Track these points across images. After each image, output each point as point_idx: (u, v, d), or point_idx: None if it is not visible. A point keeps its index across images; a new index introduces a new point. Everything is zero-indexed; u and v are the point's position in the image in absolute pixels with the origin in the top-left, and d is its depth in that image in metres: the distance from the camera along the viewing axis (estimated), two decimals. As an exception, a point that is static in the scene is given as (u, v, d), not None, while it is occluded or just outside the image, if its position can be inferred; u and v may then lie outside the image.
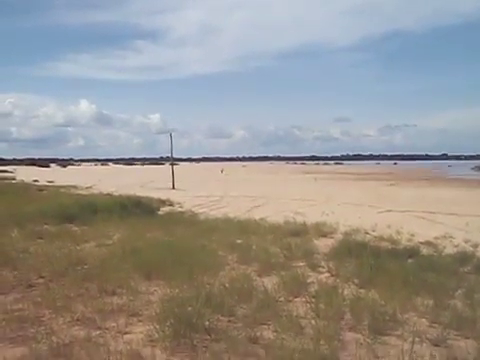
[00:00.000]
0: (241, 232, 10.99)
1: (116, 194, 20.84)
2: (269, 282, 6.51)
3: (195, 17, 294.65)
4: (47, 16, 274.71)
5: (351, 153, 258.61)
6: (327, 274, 7.27)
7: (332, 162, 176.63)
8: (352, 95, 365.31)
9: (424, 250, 9.29)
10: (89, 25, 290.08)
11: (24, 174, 48.17)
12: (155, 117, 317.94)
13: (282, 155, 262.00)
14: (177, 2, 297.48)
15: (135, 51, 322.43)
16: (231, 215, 14.97)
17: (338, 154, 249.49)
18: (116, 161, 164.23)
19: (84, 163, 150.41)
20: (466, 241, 10.68)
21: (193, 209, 17.43)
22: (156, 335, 4.47)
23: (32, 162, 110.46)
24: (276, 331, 4.69)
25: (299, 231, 11.45)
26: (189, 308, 4.84)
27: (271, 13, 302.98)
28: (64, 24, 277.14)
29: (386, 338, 4.64)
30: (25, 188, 26.77)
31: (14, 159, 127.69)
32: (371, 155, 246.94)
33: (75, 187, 29.42)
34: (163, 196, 21.61)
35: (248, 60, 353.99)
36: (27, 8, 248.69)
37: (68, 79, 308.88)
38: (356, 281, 6.62)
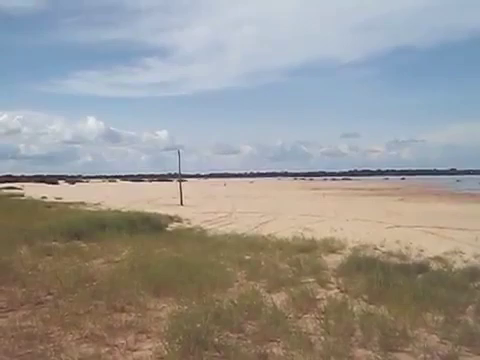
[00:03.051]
0: (249, 248, 10.97)
1: (124, 210, 20.88)
2: (278, 298, 6.48)
3: (202, 34, 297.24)
4: (56, 33, 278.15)
5: (359, 168, 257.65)
6: (336, 290, 7.23)
7: (340, 178, 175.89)
8: (360, 111, 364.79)
9: (434, 265, 9.20)
10: (97, 43, 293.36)
11: (33, 191, 48.45)
12: (163, 134, 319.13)
13: (290, 171, 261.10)
14: (185, 19, 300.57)
15: (143, 68, 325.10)
16: (239, 231, 14.95)
17: (346, 170, 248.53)
18: (124, 178, 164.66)
19: (92, 180, 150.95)
20: (476, 256, 10.58)
21: (201, 225, 17.42)
22: (165, 352, 4.46)
23: (41, 179, 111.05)
24: (285, 348, 4.66)
25: (308, 247, 11.41)
26: (198, 325, 4.83)
27: (278, 29, 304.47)
28: (73, 41, 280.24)
29: (397, 355, 4.60)
30: (34, 205, 26.91)
31: (23, 176, 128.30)
32: (379, 170, 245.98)
33: (83, 204, 29.52)
34: (171, 212, 21.62)
35: (255, 76, 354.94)
36: (35, 25, 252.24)
37: (76, 96, 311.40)
38: (366, 297, 6.58)
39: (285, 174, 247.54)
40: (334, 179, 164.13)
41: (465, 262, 9.88)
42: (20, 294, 6.59)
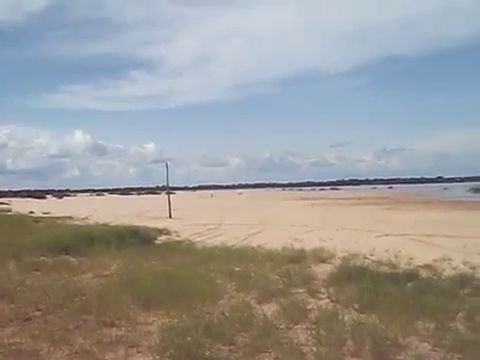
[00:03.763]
0: (239, 260, 10.95)
1: (113, 224, 20.74)
2: (269, 309, 6.47)
3: (189, 47, 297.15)
4: (42, 47, 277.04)
5: (347, 178, 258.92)
6: (327, 300, 7.24)
7: (328, 187, 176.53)
8: (348, 120, 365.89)
9: (423, 273, 9.26)
10: (84, 56, 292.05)
11: (20, 206, 47.98)
12: (150, 146, 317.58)
13: (278, 182, 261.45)
14: (171, 32, 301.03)
15: (130, 81, 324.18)
16: (229, 243, 14.91)
17: (334, 179, 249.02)
18: (112, 191, 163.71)
19: (80, 194, 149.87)
20: (465, 263, 10.66)
21: (190, 238, 17.37)
22: (156, 366, 4.42)
23: (28, 194, 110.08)
24: (277, 359, 4.64)
25: (297, 257, 11.42)
26: (189, 338, 4.81)
27: (266, 41, 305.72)
28: (59, 55, 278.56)
29: (389, 363, 4.60)
30: (21, 220, 26.64)
31: (10, 191, 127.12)
32: (367, 180, 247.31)
33: (71, 218, 29.28)
34: (160, 225, 21.53)
35: (243, 88, 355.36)
36: (21, 39, 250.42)
37: (63, 110, 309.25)
38: (356, 306, 6.59)
39: (273, 185, 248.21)
40: (322, 189, 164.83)
41: (454, 269, 9.94)
42: (8, 310, 6.50)
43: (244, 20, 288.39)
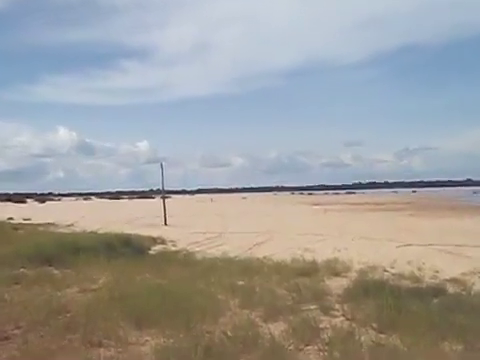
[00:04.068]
0: (243, 273, 10.95)
1: (101, 232, 20.77)
2: (276, 328, 6.47)
3: (186, 33, 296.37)
4: (22, 35, 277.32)
5: (364, 181, 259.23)
6: (342, 318, 7.23)
7: (343, 191, 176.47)
8: (364, 116, 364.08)
9: (450, 288, 9.24)
10: (69, 44, 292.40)
11: (-3, 212, 48.11)
12: (143, 145, 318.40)
13: (286, 185, 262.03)
14: (166, 17, 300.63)
15: (120, 72, 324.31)
16: (231, 254, 14.93)
17: (350, 182, 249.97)
18: (100, 195, 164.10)
19: (64, 198, 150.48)
20: (497, 277, 10.64)
21: (188, 248, 17.37)
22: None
23: (7, 197, 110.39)
24: (286, 384, 4.64)
25: (308, 270, 11.41)
26: (186, 360, 4.81)
27: (271, 27, 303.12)
28: (40, 43, 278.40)
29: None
30: (-1, 227, 26.72)
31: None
32: (387, 182, 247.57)
33: (55, 225, 29.33)
34: (154, 233, 21.57)
35: (246, 80, 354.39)
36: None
37: (45, 104, 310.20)
38: (375, 325, 6.58)
39: (281, 188, 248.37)
40: (336, 193, 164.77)
41: (485, 284, 9.91)
42: (-17, 329, 6.51)
43: (246, 4, 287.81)
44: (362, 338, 5.84)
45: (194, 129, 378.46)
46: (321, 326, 6.58)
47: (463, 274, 11.10)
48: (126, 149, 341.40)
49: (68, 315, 7.12)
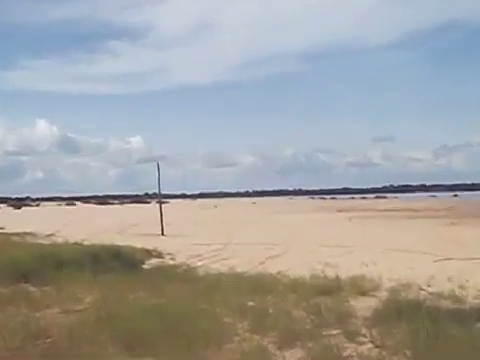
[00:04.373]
0: (253, 291, 10.96)
1: (87, 243, 20.86)
2: (292, 356, 6.48)
3: (186, 10, 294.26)
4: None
5: (397, 183, 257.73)
6: (370, 345, 7.21)
7: (372, 195, 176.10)
8: (397, 107, 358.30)
9: (498, 310, 9.19)
10: (49, 23, 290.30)
11: (-34, 219, 48.37)
12: (136, 141, 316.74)
13: (305, 188, 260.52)
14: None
15: (109, 55, 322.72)
16: (239, 269, 14.94)
17: (379, 185, 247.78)
18: (86, 199, 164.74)
19: (44, 202, 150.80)
20: None
21: (189, 261, 17.41)
22: None
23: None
24: None
25: (330, 288, 11.39)
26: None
27: (285, 4, 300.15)
28: (17, 22, 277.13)
29: None
30: (-33, 237, 26.84)
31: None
32: (423, 185, 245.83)
33: (33, 234, 29.49)
34: (149, 245, 21.61)
35: (256, 65, 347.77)
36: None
37: (22, 93, 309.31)
38: (408, 353, 6.56)
39: (299, 192, 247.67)
40: (364, 198, 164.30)
41: None
42: None
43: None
44: (393, 368, 5.83)
45: (196, 122, 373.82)
46: (345, 354, 6.58)
47: (513, 294, 11.04)
48: (116, 146, 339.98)
49: (48, 340, 7.14)
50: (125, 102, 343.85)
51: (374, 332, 7.63)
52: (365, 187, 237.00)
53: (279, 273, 13.88)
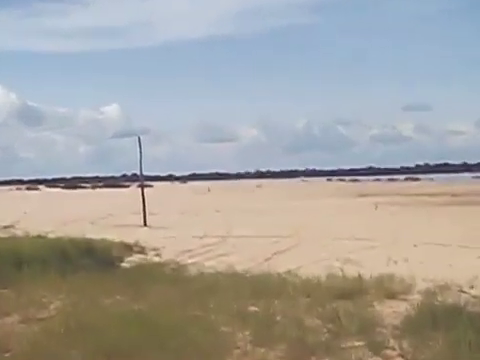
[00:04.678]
0: (257, 294, 10.97)
1: (53, 236, 20.88)
2: (305, 374, 6.49)
3: None
4: None
5: (432, 162, 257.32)
6: (399, 359, 7.24)
7: (402, 177, 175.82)
8: (433, 68, 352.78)
9: None
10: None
11: None
12: (112, 111, 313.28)
13: (319, 168, 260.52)
14: None
15: (79, 4, 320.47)
16: (240, 267, 14.97)
17: (411, 164, 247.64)
18: (52, 183, 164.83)
19: None
20: None
21: (178, 258, 17.45)
22: None
23: None
24: None
25: (351, 291, 11.41)
26: None
27: None
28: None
29: None
30: None
31: None
32: (465, 164, 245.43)
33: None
34: (129, 238, 21.63)
35: (258, 15, 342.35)
36: None
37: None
38: (447, 370, 6.59)
39: (312, 173, 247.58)
40: (392, 179, 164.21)
41: None
42: None
43: None
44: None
45: (186, 87, 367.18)
46: (369, 371, 6.60)
47: None
48: (88, 116, 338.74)
49: (7, 355, 7.16)
50: (99, 63, 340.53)
51: (405, 344, 7.65)
52: (394, 166, 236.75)
53: (288, 272, 13.90)
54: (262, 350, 7.55)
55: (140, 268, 15.41)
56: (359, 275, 12.76)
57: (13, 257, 14.20)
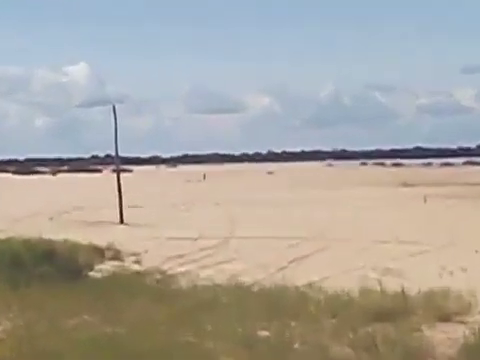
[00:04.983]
0: (268, 314, 11.02)
1: (1, 237, 20.95)
2: None
3: None
4: None
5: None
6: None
7: (460, 160, 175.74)
8: None
9: None
10: None
11: None
12: (79, 71, 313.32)
13: (351, 148, 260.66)
14: None
15: None
16: (246, 278, 15.03)
17: (472, 144, 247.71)
18: (0, 166, 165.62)
19: None
20: None
21: (164, 267, 17.49)
22: None
23: None
24: None
25: (393, 310, 11.43)
26: None
27: None
28: None
29: None
30: None
31: None
32: None
33: None
34: (101, 239, 21.69)
35: None
36: None
37: None
38: None
39: (341, 154, 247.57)
40: (446, 164, 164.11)
41: None
42: None
43: None
44: None
45: (176, 41, 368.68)
46: None
47: None
48: (47, 79, 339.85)
49: None
50: (60, 8, 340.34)
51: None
52: (449, 146, 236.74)
53: (310, 285, 13.93)
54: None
55: (115, 279, 15.44)
56: (403, 290, 12.77)
57: None
